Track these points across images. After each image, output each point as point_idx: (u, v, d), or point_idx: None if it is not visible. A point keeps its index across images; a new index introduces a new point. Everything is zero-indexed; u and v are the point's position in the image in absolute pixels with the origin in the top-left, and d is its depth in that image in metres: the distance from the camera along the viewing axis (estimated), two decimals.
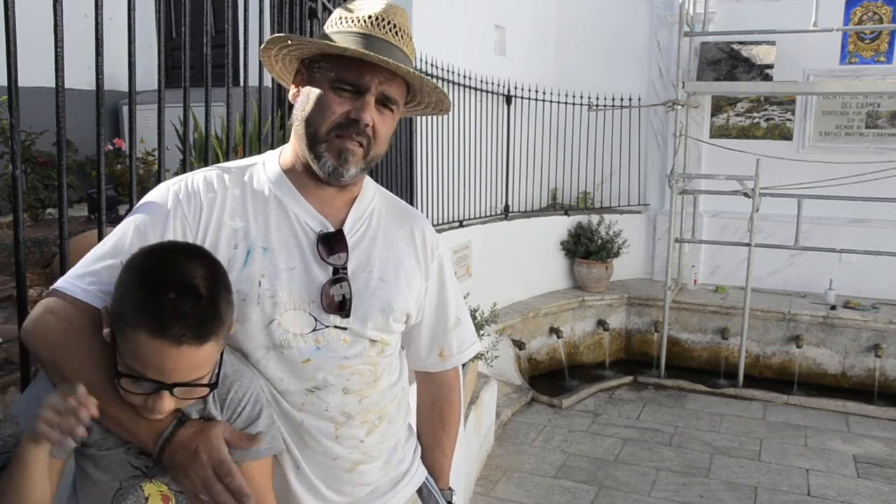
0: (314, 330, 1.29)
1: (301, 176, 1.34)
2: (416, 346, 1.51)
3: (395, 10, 1.30)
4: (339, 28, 1.29)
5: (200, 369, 1.08)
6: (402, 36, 1.30)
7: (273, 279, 1.27)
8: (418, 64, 5.04)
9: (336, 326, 1.30)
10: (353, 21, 1.28)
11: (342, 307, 1.29)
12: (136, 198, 1.75)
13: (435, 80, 5.31)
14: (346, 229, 1.34)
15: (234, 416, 1.20)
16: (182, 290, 1.04)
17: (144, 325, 1.02)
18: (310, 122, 1.28)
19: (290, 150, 1.37)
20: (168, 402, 1.08)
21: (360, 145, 1.28)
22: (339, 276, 1.30)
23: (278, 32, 2.34)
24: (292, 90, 1.35)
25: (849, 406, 5.54)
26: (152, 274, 1.05)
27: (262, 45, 1.33)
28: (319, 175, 1.30)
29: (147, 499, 1.17)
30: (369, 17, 1.27)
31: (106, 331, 1.09)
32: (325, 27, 1.34)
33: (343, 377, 1.31)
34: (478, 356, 4.30)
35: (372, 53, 1.22)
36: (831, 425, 5.28)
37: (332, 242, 1.31)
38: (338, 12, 1.32)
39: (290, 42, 1.30)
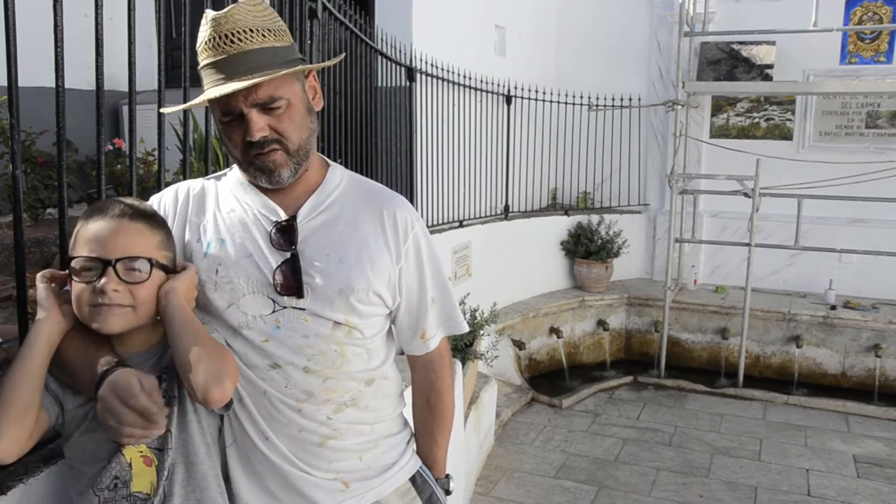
0: (274, 311, 1.37)
1: None
2: (400, 329, 1.55)
3: (221, 20, 1.30)
4: (199, 63, 1.36)
5: (136, 246, 1.25)
6: (239, 38, 1.29)
7: (229, 267, 1.37)
8: (418, 64, 5.04)
9: (294, 307, 1.37)
10: (199, 55, 1.34)
11: (296, 289, 1.36)
12: (136, 198, 1.75)
13: (435, 80, 5.32)
14: (302, 215, 1.41)
15: None
16: (119, 200, 1.31)
17: (89, 215, 1.27)
18: (231, 157, 1.39)
19: None
20: (112, 279, 1.22)
21: (275, 151, 1.35)
22: (291, 258, 1.37)
23: None
24: None
25: (849, 406, 5.54)
26: (101, 201, 1.35)
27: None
28: (264, 186, 1.40)
29: (130, 463, 1.23)
30: (205, 44, 1.31)
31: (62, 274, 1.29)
32: None
33: (304, 356, 1.37)
34: (477, 356, 4.30)
35: (196, 102, 1.33)
36: (831, 425, 5.28)
37: (286, 230, 1.39)
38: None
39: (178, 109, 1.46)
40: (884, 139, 6.81)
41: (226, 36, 1.29)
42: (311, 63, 1.45)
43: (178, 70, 2.12)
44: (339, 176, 1.49)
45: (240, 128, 1.32)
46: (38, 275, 1.27)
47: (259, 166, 1.35)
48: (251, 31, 1.30)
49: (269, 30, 1.32)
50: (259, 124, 1.31)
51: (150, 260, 1.26)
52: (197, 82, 1.83)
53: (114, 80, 4.86)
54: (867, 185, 6.12)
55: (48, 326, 1.23)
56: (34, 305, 1.34)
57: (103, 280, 1.21)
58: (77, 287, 1.24)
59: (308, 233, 1.40)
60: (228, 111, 1.32)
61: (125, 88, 1.80)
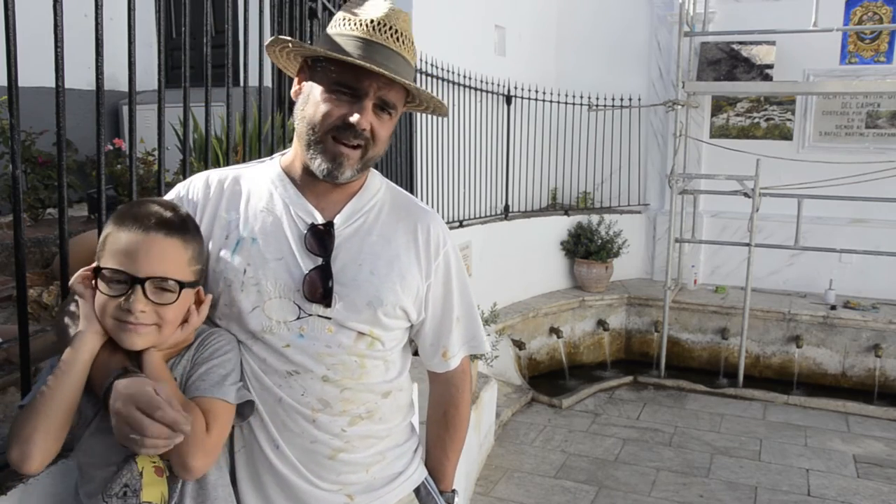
0: (298, 318, 1.33)
1: (300, 173, 1.39)
2: (422, 345, 1.52)
3: (398, 15, 1.31)
4: (342, 30, 1.31)
5: (167, 265, 1.21)
6: (402, 41, 1.31)
7: (258, 268, 1.33)
8: (418, 64, 5.05)
9: (319, 315, 1.33)
10: (355, 24, 1.30)
11: (324, 296, 1.32)
12: (136, 198, 1.75)
13: (435, 80, 5.32)
14: (338, 222, 1.37)
15: (202, 347, 1.29)
16: (156, 206, 1.27)
17: (123, 222, 1.22)
18: (308, 122, 1.32)
19: (293, 148, 1.42)
20: (140, 300, 1.19)
21: (357, 147, 1.31)
22: (323, 266, 1.33)
23: (278, 32, 2.35)
24: (295, 86, 1.39)
25: (849, 406, 5.54)
26: (135, 201, 1.31)
27: (267, 43, 1.38)
28: (315, 174, 1.34)
29: (141, 472, 1.20)
30: (371, 21, 1.29)
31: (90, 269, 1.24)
32: (328, 27, 1.36)
33: (324, 365, 1.34)
34: (477, 356, 4.30)
35: (368, 65, 1.25)
36: (831, 425, 5.28)
37: (321, 234, 1.35)
38: (341, 13, 1.33)
39: (290, 45, 1.35)
40: (884, 139, 6.81)
41: (392, 28, 1.29)
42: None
43: (177, 70, 2.12)
44: (377, 183, 1.46)
45: (346, 106, 1.28)
46: (78, 279, 1.23)
47: (334, 151, 1.30)
48: (412, 43, 1.33)
49: (414, 53, 1.35)
50: (370, 117, 1.29)
51: (180, 283, 1.22)
52: (197, 82, 1.83)
53: (114, 80, 4.86)
54: (867, 185, 6.13)
55: (92, 340, 1.20)
56: (34, 305, 1.34)
57: (131, 300, 1.18)
58: (102, 296, 1.20)
59: (342, 240, 1.36)
60: (352, 86, 1.28)
61: (125, 88, 1.79)
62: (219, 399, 1.24)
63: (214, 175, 1.44)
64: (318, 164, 1.31)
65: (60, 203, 1.50)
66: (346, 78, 1.28)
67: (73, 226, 3.39)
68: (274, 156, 1.47)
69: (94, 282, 1.22)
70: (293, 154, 1.41)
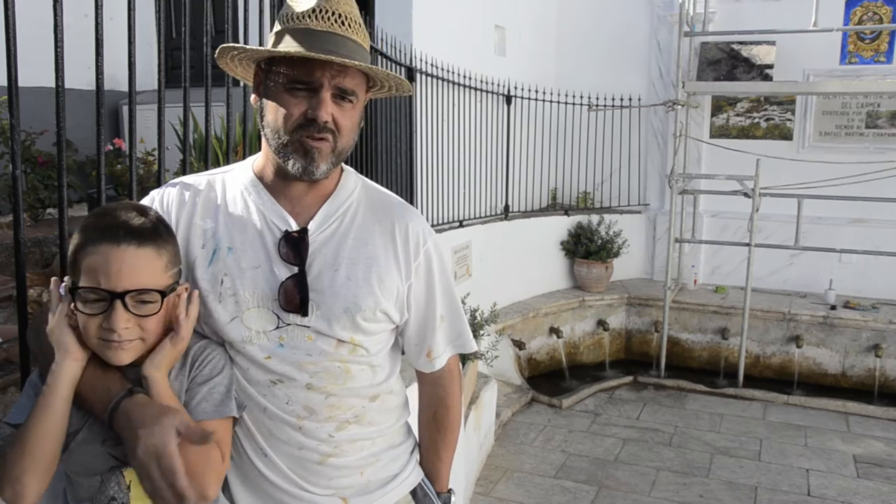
0: (277, 327, 1.31)
1: (272, 177, 1.37)
2: (407, 346, 1.50)
3: None
4: (284, 24, 1.29)
5: (144, 277, 1.17)
6: (348, 24, 1.28)
7: (235, 278, 1.31)
8: (418, 64, 5.05)
9: (298, 324, 1.31)
10: (295, 17, 1.27)
11: (301, 305, 1.30)
12: (136, 198, 1.75)
13: (435, 80, 5.32)
14: (313, 227, 1.35)
15: (198, 365, 1.26)
16: (123, 213, 1.20)
17: (92, 238, 1.16)
18: (272, 127, 1.30)
19: (263, 153, 1.39)
20: (122, 316, 1.15)
21: (326, 140, 1.29)
22: (298, 274, 1.31)
23: None
24: (252, 95, 1.37)
25: (849, 406, 5.54)
26: (102, 209, 1.24)
27: (216, 54, 1.36)
28: (289, 175, 1.31)
29: (129, 485, 1.18)
30: (312, 10, 1.26)
31: (64, 282, 1.21)
32: (275, 24, 1.34)
33: (307, 373, 1.32)
34: (477, 356, 4.30)
35: (314, 55, 1.22)
36: (831, 425, 5.28)
37: (296, 242, 1.32)
38: (284, 8, 1.31)
39: (236, 51, 1.32)
40: (884, 139, 6.81)
41: (334, 13, 1.26)
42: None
43: (177, 70, 2.12)
44: (352, 183, 1.43)
45: (304, 101, 1.26)
46: (56, 315, 1.19)
47: (306, 147, 1.27)
48: (359, 25, 1.30)
49: (364, 35, 1.32)
50: (328, 109, 1.26)
51: (160, 292, 1.19)
52: (197, 82, 1.83)
53: (114, 80, 4.87)
54: (867, 185, 6.12)
55: (72, 368, 1.17)
56: (34, 305, 1.34)
57: (113, 317, 1.15)
58: (83, 316, 1.17)
59: (317, 246, 1.34)
60: (305, 81, 1.25)
61: (125, 88, 1.80)
62: (225, 418, 1.23)
63: (188, 181, 1.41)
64: (293, 164, 1.29)
65: (60, 203, 1.50)
66: (298, 73, 1.25)
67: (73, 226, 3.38)
68: (246, 160, 1.44)
69: (71, 304, 1.18)
70: (264, 158, 1.38)
